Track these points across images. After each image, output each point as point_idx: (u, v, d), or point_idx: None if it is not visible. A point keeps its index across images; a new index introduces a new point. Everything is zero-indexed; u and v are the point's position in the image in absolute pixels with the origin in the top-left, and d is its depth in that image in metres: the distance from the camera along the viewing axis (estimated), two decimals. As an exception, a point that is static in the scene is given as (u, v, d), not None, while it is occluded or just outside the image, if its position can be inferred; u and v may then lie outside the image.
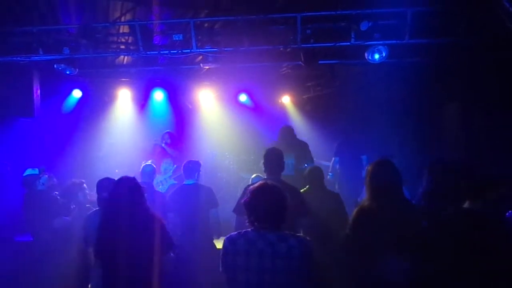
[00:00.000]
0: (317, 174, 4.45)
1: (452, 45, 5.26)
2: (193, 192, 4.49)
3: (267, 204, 2.38)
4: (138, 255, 2.81)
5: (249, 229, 2.42)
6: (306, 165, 5.43)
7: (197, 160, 4.73)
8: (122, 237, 2.80)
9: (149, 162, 5.17)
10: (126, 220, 2.82)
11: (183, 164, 4.69)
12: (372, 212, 2.78)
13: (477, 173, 2.46)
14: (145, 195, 3.00)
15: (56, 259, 4.09)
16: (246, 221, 3.78)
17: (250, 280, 2.30)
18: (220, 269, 2.47)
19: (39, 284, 4.06)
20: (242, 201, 2.52)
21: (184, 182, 4.67)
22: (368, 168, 3.03)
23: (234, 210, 4.03)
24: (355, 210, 2.91)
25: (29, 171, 4.58)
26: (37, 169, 4.62)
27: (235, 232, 2.46)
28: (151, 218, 2.92)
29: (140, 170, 5.07)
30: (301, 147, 5.79)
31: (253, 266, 2.30)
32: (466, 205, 2.41)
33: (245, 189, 4.12)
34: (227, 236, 2.48)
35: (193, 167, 4.61)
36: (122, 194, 2.89)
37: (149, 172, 4.93)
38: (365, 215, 2.80)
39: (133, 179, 3.00)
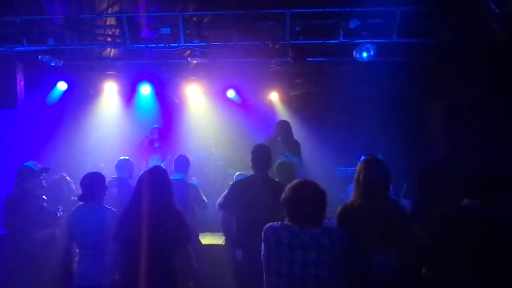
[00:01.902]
0: (287, 167, 4.50)
1: (439, 45, 5.33)
2: (179, 188, 4.47)
3: (309, 201, 2.42)
4: (156, 246, 2.85)
5: (290, 223, 2.44)
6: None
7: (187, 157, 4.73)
8: (144, 224, 2.85)
9: (126, 157, 5.14)
10: (148, 212, 2.89)
11: (174, 158, 4.67)
12: (360, 210, 2.78)
13: (474, 171, 2.47)
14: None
15: (34, 269, 3.96)
16: (233, 216, 3.82)
17: (293, 272, 2.35)
18: (262, 256, 2.50)
19: (21, 279, 3.97)
20: (281, 199, 2.51)
21: (172, 177, 4.65)
22: (358, 166, 3.03)
23: (221, 206, 4.03)
24: (340, 207, 2.91)
25: (30, 163, 4.26)
26: (39, 166, 4.30)
27: (277, 223, 2.48)
28: (172, 210, 2.99)
29: (115, 164, 5.03)
30: (294, 146, 5.80)
31: (297, 259, 2.34)
32: (464, 202, 2.43)
33: (232, 185, 4.12)
34: (268, 225, 2.51)
35: (185, 163, 4.62)
36: (150, 184, 2.98)
37: (124, 166, 4.87)
38: (353, 213, 2.81)
39: (163, 171, 3.13)
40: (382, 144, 6.58)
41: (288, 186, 2.55)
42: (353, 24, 4.89)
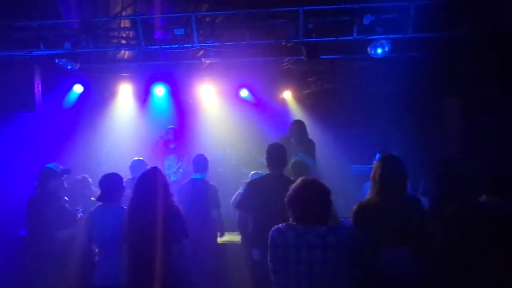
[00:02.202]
0: (301, 166, 4.50)
1: (454, 40, 5.24)
2: (201, 188, 4.51)
3: (314, 200, 2.42)
4: (153, 241, 2.94)
5: (295, 223, 2.45)
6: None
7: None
8: (142, 224, 2.99)
9: (140, 158, 5.20)
10: (147, 209, 3.02)
11: (193, 158, 4.70)
12: (376, 208, 2.76)
13: (493, 167, 2.44)
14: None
15: (56, 268, 4.01)
16: (250, 215, 3.83)
17: (301, 272, 2.36)
18: (269, 259, 2.51)
19: (39, 280, 4.05)
20: (286, 199, 2.52)
21: (192, 176, 4.68)
22: (376, 163, 3.00)
23: (237, 206, 4.03)
24: (356, 206, 2.89)
25: (51, 165, 4.31)
26: (60, 167, 4.34)
27: (283, 224, 2.48)
28: (168, 207, 3.06)
29: (129, 165, 5.09)
30: (308, 146, 5.77)
31: (304, 259, 2.35)
32: (482, 199, 2.40)
33: (247, 184, 4.13)
34: (275, 228, 2.51)
35: (204, 162, 4.68)
36: (147, 185, 3.11)
37: (138, 167, 4.93)
38: (369, 211, 2.79)
39: (158, 171, 3.22)
40: (397, 140, 6.53)
41: (292, 186, 2.55)
42: (367, 20, 4.83)
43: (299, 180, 2.56)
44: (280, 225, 2.50)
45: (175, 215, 3.09)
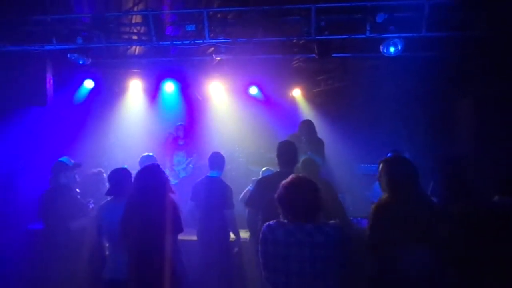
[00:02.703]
0: (311, 165, 4.45)
1: (469, 39, 5.18)
2: (216, 186, 4.49)
3: (302, 197, 2.42)
4: (153, 235, 2.99)
5: (285, 220, 2.46)
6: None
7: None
8: (142, 219, 3.00)
9: (149, 154, 5.21)
10: (146, 204, 3.04)
11: (209, 155, 4.70)
12: (392, 208, 2.74)
13: (503, 167, 2.42)
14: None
15: (69, 257, 4.08)
16: (259, 213, 3.82)
17: (290, 269, 2.36)
18: (260, 255, 2.52)
19: (52, 272, 4.08)
20: (276, 196, 2.53)
21: (208, 174, 4.67)
22: (383, 164, 2.99)
23: (247, 203, 4.02)
24: (373, 207, 2.88)
25: (63, 159, 4.42)
26: (72, 162, 4.43)
27: (274, 221, 2.50)
28: (166, 201, 3.08)
29: (139, 160, 5.10)
30: (318, 144, 5.77)
31: (293, 256, 2.35)
32: (495, 199, 2.38)
33: (257, 181, 4.11)
34: (266, 224, 2.52)
35: (220, 160, 4.68)
36: (145, 180, 3.12)
37: (147, 162, 4.91)
38: (385, 211, 2.77)
39: (156, 166, 3.23)
40: (407, 140, 6.48)
41: (282, 183, 2.54)
42: (380, 18, 4.78)
43: (289, 178, 2.56)
44: (271, 221, 2.51)
45: (173, 210, 3.09)
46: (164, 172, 3.26)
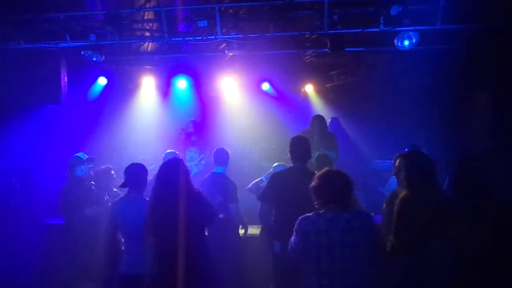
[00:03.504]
0: (325, 161, 4.49)
1: (485, 32, 5.07)
2: (221, 181, 4.50)
3: (336, 187, 2.63)
4: (179, 229, 2.97)
5: (322, 211, 2.64)
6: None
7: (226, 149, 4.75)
8: (170, 213, 2.99)
9: (171, 150, 5.23)
10: (172, 197, 3.02)
11: (212, 152, 4.70)
12: (413, 204, 2.72)
13: None
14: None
15: (86, 246, 4.18)
16: (273, 207, 3.82)
17: (333, 255, 2.54)
18: (296, 248, 2.69)
19: (69, 267, 4.15)
20: (310, 186, 2.73)
21: (214, 170, 4.68)
22: (400, 159, 2.96)
23: (260, 198, 4.03)
24: (397, 203, 2.84)
25: (79, 154, 4.63)
26: (86, 157, 4.63)
27: (311, 213, 2.65)
28: (192, 193, 3.10)
29: (163, 156, 5.12)
30: (330, 139, 5.78)
31: (336, 243, 2.54)
32: None
33: (271, 177, 4.11)
34: (303, 217, 2.67)
35: (224, 156, 4.65)
36: (168, 174, 3.13)
37: None
38: (407, 207, 2.74)
39: (178, 160, 3.27)
40: (423, 136, 6.38)
41: (317, 175, 2.75)
42: (394, 10, 4.69)
43: (323, 170, 2.76)
44: (307, 214, 2.65)
45: (200, 203, 3.10)
46: (186, 165, 3.26)
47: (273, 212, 3.88)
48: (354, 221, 2.57)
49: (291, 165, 3.99)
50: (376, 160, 7.10)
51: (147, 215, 3.11)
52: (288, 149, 3.96)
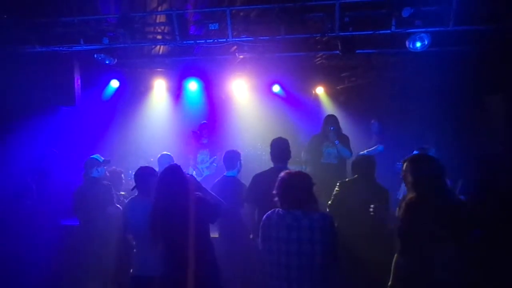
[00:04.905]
0: (369, 165, 4.30)
1: (499, 33, 5.00)
2: (231, 185, 4.51)
3: (295, 189, 2.80)
4: (187, 232, 3.04)
5: (279, 209, 2.84)
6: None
7: (236, 150, 4.75)
8: (172, 218, 3.07)
9: (166, 153, 5.28)
10: (173, 202, 3.10)
11: (223, 155, 4.72)
12: (420, 207, 2.70)
13: None
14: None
15: (107, 244, 4.25)
16: (255, 209, 3.94)
17: (281, 249, 2.74)
18: (259, 240, 2.92)
19: (85, 267, 4.20)
20: (274, 191, 2.90)
21: (225, 174, 4.69)
22: (406, 163, 2.94)
23: (244, 199, 4.17)
24: (401, 206, 2.84)
25: (95, 156, 4.73)
26: (102, 158, 4.74)
27: (271, 210, 2.89)
28: (193, 196, 3.16)
29: (158, 158, 5.17)
30: (345, 138, 5.82)
31: (282, 238, 2.74)
32: None
33: (252, 177, 4.19)
34: (266, 214, 2.91)
35: (233, 157, 4.64)
36: (168, 179, 3.18)
37: (166, 161, 5.00)
38: (414, 211, 2.73)
39: (177, 166, 3.27)
40: (435, 138, 6.31)
41: (278, 177, 2.91)
42: (406, 12, 4.67)
43: (285, 172, 2.95)
44: (269, 211, 2.89)
45: (199, 205, 3.13)
46: (183, 171, 3.28)
47: (256, 211, 4.00)
48: (303, 220, 2.71)
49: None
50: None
51: (149, 223, 3.15)
52: (270, 151, 4.14)
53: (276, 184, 2.88)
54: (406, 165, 2.93)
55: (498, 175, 3.12)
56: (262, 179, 4.03)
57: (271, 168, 4.12)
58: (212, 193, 3.54)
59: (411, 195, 2.83)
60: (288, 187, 2.81)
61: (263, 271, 2.86)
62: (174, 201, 3.08)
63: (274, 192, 2.88)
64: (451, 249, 2.58)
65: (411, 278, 2.64)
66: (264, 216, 2.89)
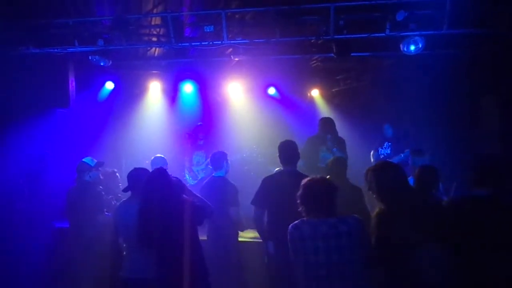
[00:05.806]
0: (339, 165, 4.39)
1: (492, 36, 5.05)
2: (221, 186, 4.52)
3: (319, 195, 2.67)
4: (175, 235, 3.06)
5: (307, 218, 2.69)
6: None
7: (223, 151, 4.76)
8: (159, 222, 3.05)
9: (160, 155, 5.27)
10: (160, 206, 3.08)
11: (210, 157, 4.74)
12: (389, 217, 2.70)
13: None
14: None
15: (97, 252, 4.22)
16: (265, 211, 3.88)
17: (319, 261, 2.57)
18: (290, 254, 2.74)
19: (77, 270, 4.18)
20: (298, 194, 2.76)
21: (213, 174, 4.70)
22: (369, 173, 2.88)
23: (252, 202, 4.08)
24: (373, 217, 2.82)
25: (87, 159, 4.64)
26: (95, 161, 4.66)
27: (298, 220, 2.72)
28: (180, 199, 3.18)
29: (151, 161, 5.16)
30: (341, 142, 5.87)
31: (320, 248, 2.56)
32: None
33: (262, 181, 4.13)
34: (292, 224, 2.73)
35: (220, 157, 4.66)
36: (155, 184, 3.17)
37: (159, 163, 4.98)
38: (383, 221, 2.73)
39: (163, 170, 3.27)
40: (429, 141, 6.35)
41: (302, 183, 2.78)
42: (400, 16, 4.70)
43: (308, 178, 2.80)
44: (296, 221, 2.71)
45: (185, 206, 3.14)
46: (170, 175, 3.29)
47: (265, 214, 3.96)
48: (340, 226, 2.58)
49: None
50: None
51: (137, 227, 3.15)
52: (278, 154, 4.06)
53: (300, 192, 2.74)
54: (370, 175, 2.85)
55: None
56: (272, 182, 3.99)
57: (281, 170, 4.12)
58: (198, 195, 3.54)
59: (380, 207, 2.78)
60: (317, 195, 2.67)
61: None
62: (160, 204, 3.08)
63: (298, 201, 2.73)
64: (437, 251, 2.57)
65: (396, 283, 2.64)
66: (291, 228, 2.70)
